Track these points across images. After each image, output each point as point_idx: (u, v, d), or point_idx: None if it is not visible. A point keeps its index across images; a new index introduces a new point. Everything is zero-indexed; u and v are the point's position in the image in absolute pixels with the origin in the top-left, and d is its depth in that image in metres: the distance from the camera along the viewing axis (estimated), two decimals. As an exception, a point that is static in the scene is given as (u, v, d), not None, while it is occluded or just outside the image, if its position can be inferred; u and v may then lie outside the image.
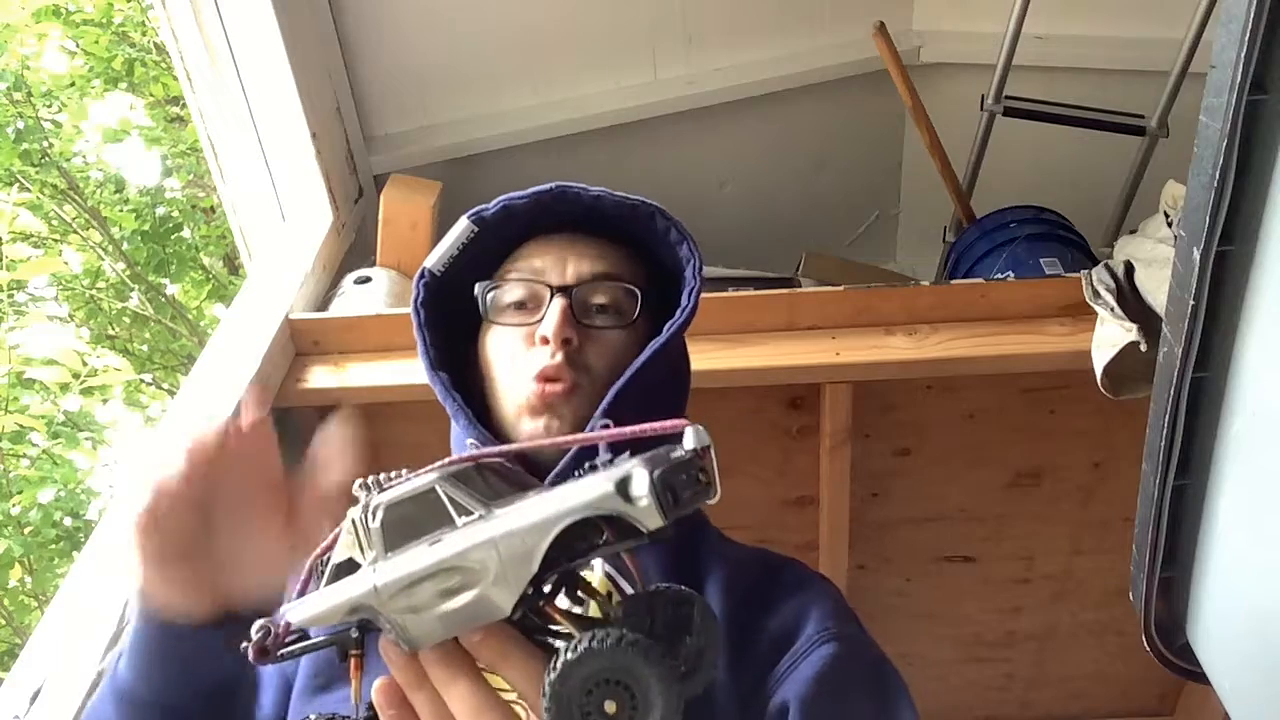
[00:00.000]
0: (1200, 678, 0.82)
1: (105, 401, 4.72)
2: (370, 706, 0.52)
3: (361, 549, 0.50)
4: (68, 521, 4.21)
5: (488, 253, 0.88)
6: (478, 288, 0.86)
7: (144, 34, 4.93)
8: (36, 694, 0.97)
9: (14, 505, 3.91)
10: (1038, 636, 1.93)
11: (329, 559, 0.53)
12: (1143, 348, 1.23)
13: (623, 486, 0.44)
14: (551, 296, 0.82)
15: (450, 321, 0.88)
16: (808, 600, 0.79)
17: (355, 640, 0.51)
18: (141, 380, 4.92)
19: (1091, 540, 1.75)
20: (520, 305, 0.84)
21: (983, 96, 1.84)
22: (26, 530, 3.97)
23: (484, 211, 0.86)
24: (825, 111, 2.15)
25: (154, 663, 0.66)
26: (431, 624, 0.48)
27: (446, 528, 0.48)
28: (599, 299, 0.84)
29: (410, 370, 1.42)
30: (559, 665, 0.44)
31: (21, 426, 3.94)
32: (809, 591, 0.81)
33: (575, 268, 0.84)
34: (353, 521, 0.51)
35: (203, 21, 1.56)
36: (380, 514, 0.49)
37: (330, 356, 1.49)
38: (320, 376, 1.47)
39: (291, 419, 1.53)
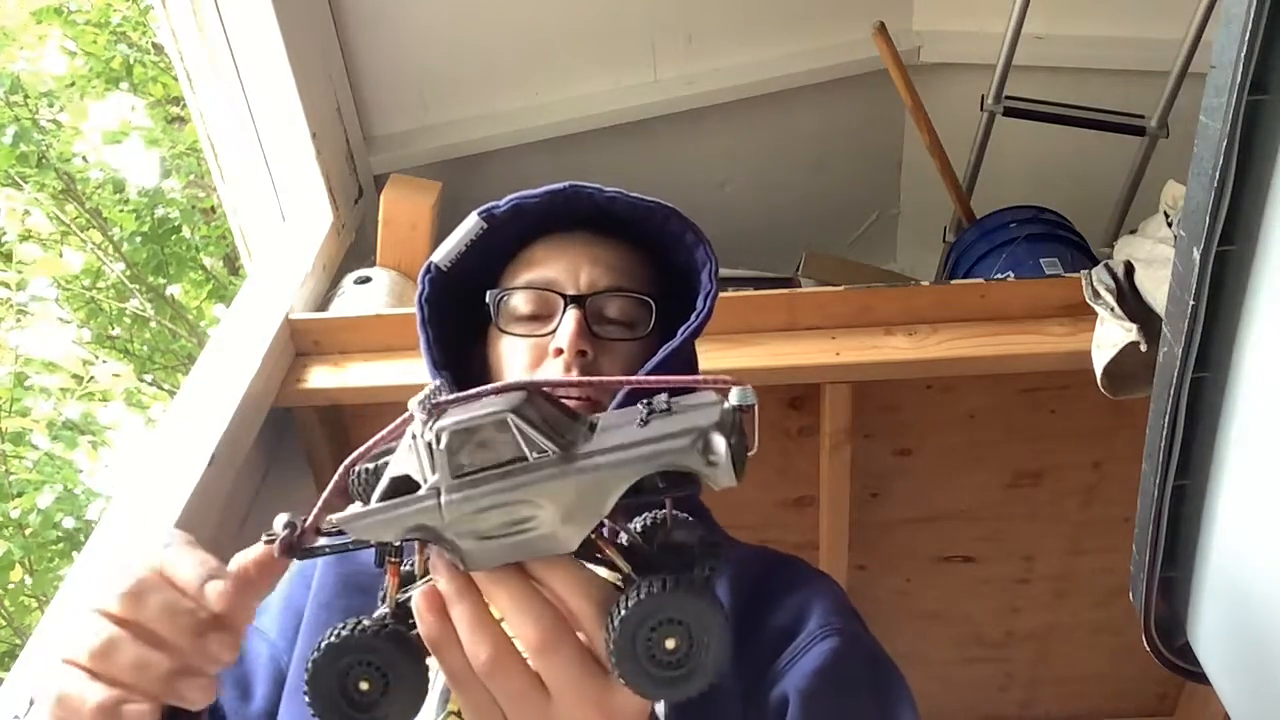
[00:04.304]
0: (1200, 678, 0.82)
1: (106, 404, 4.72)
2: (394, 613, 0.53)
3: (422, 468, 0.50)
4: (68, 523, 4.21)
5: (496, 249, 0.87)
6: (489, 295, 0.85)
7: (143, 34, 4.93)
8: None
9: (14, 508, 3.91)
10: (1038, 636, 1.93)
11: (371, 467, 0.54)
12: (1143, 348, 1.23)
13: (703, 447, 0.47)
14: (565, 307, 0.82)
15: (454, 317, 0.87)
16: (810, 596, 0.79)
17: (396, 548, 0.52)
18: (142, 379, 4.92)
19: (1091, 540, 1.75)
20: (532, 315, 0.84)
21: (983, 96, 1.84)
22: (27, 532, 3.97)
23: (495, 209, 0.85)
24: (825, 111, 2.15)
25: None
26: (492, 551, 0.49)
27: (519, 462, 0.48)
28: (612, 310, 0.84)
29: (410, 370, 1.42)
30: (626, 607, 0.47)
31: (22, 428, 3.95)
32: (812, 588, 0.81)
33: (589, 276, 0.84)
34: (414, 439, 0.50)
35: (203, 21, 1.56)
36: (446, 438, 0.49)
37: (330, 356, 1.49)
38: (320, 376, 1.47)
39: (291, 419, 1.53)
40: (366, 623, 0.51)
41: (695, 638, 0.48)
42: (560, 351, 0.80)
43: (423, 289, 0.85)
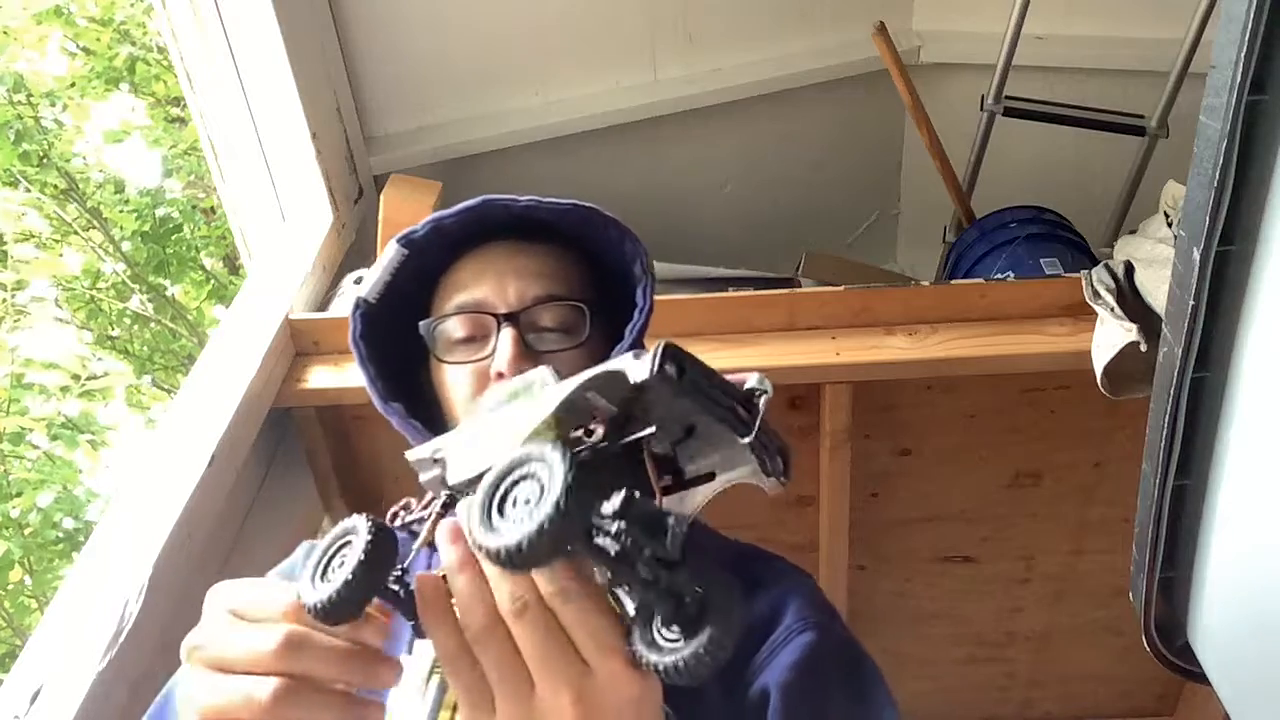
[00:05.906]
0: (1200, 678, 0.82)
1: (106, 404, 4.73)
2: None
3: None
4: (68, 523, 4.21)
5: (425, 271, 0.87)
6: (422, 326, 0.83)
7: (145, 33, 4.94)
8: (36, 694, 0.97)
9: (14, 507, 3.91)
10: (1038, 636, 1.93)
11: None
12: (1143, 348, 1.23)
13: (636, 353, 0.47)
14: (499, 327, 0.80)
15: (400, 347, 0.86)
16: (786, 592, 0.80)
17: (445, 502, 0.57)
18: (140, 378, 4.92)
19: (1091, 540, 1.75)
20: (468, 338, 0.82)
21: (983, 96, 1.84)
22: (27, 532, 3.97)
23: (414, 234, 0.84)
24: (825, 111, 2.15)
25: None
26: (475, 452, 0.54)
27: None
28: (547, 320, 0.82)
29: (410, 370, 1.42)
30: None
31: (22, 428, 3.94)
32: (787, 584, 0.81)
33: (517, 290, 0.82)
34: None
35: (203, 21, 1.56)
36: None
37: (330, 356, 1.49)
38: (320, 376, 1.47)
39: (291, 419, 1.53)
40: (381, 522, 0.53)
41: (544, 486, 0.44)
42: (501, 375, 0.78)
43: (355, 326, 0.85)
